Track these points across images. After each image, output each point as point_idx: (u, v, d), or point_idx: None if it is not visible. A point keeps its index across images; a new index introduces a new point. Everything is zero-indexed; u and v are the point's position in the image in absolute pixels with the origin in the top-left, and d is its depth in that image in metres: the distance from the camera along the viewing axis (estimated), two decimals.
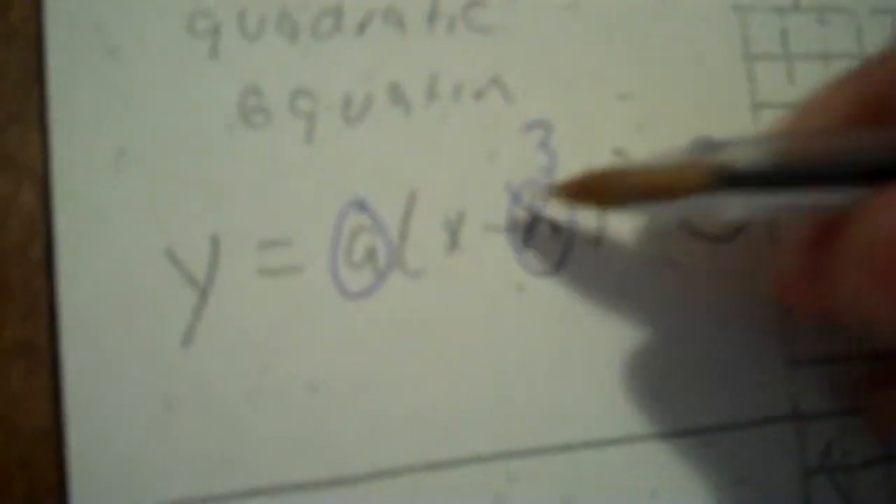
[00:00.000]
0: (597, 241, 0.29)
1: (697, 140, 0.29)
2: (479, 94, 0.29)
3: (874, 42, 0.32)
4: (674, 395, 0.29)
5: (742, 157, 0.24)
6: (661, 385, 0.29)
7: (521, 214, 0.29)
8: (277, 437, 0.27)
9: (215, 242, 0.27)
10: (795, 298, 0.29)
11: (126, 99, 0.27)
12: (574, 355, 0.29)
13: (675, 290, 0.30)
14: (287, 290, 0.27)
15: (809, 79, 0.31)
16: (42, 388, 0.26)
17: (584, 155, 0.30)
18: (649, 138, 0.30)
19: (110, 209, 0.27)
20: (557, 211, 0.29)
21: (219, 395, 0.27)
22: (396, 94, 0.29)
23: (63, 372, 0.26)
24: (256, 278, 0.27)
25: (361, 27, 0.29)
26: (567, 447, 0.28)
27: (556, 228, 0.29)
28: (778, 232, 0.30)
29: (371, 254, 0.28)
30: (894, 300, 0.22)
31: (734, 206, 0.25)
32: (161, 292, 0.27)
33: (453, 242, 0.28)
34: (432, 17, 0.30)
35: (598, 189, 0.27)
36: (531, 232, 0.29)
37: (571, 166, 0.29)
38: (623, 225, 0.30)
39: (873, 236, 0.23)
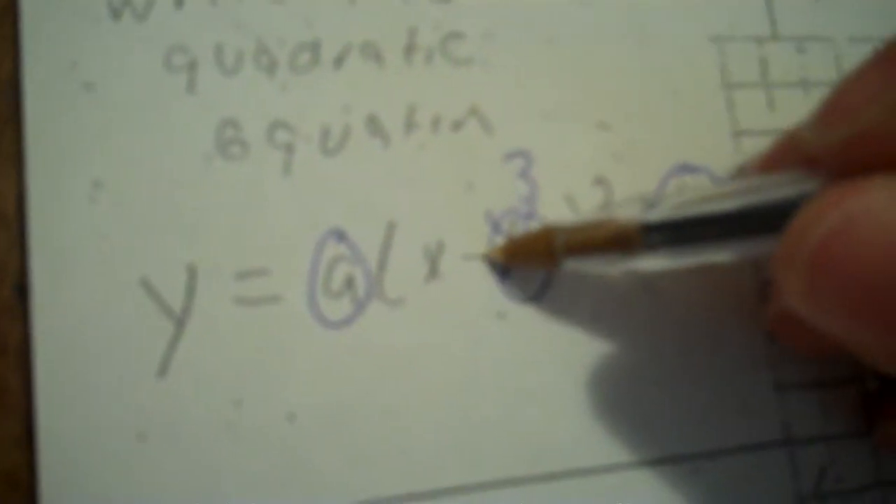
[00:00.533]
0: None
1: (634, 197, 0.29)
2: (457, 125, 0.29)
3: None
4: (660, 422, 0.28)
5: (653, 214, 0.26)
6: (646, 412, 0.28)
7: (502, 243, 0.29)
8: (254, 469, 0.26)
9: (192, 273, 0.27)
10: (787, 338, 0.29)
11: (102, 133, 0.27)
12: (557, 383, 0.28)
13: (658, 316, 0.29)
14: (265, 320, 0.27)
15: (789, 106, 0.31)
16: (13, 429, 0.25)
17: (564, 184, 0.30)
18: (629, 167, 0.30)
19: (86, 242, 0.27)
20: None
21: (194, 427, 0.26)
22: (374, 126, 0.29)
23: (36, 409, 0.25)
24: (234, 308, 0.27)
25: (339, 61, 0.29)
26: (550, 477, 0.28)
27: None
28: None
29: (350, 283, 0.28)
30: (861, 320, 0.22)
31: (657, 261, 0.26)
32: (137, 323, 0.27)
33: (433, 271, 0.28)
34: (410, 50, 0.30)
35: (536, 248, 0.28)
36: None
37: (552, 195, 0.30)
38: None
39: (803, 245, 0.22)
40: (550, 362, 0.28)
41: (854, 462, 0.29)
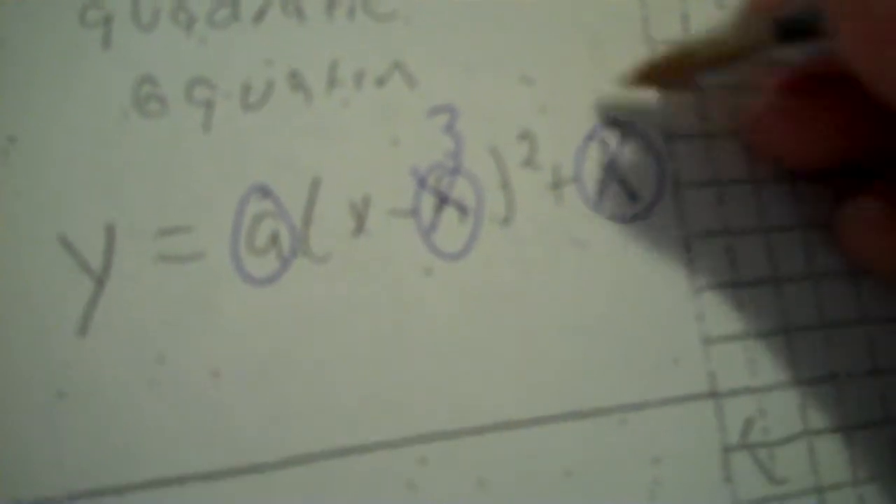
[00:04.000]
0: (504, 221, 0.29)
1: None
2: (381, 81, 0.29)
3: None
4: (587, 374, 0.28)
5: (790, 9, 0.27)
6: (573, 365, 0.28)
7: (428, 198, 0.29)
8: (178, 426, 0.26)
9: (110, 230, 0.26)
10: (765, 145, 0.30)
11: (16, 89, 0.27)
12: (484, 338, 0.28)
13: (584, 270, 0.29)
14: (187, 277, 0.27)
15: None
16: None
17: (489, 138, 0.29)
18: (554, 119, 0.30)
19: (0, 198, 0.26)
20: (464, 193, 0.29)
21: (115, 385, 0.26)
22: (296, 81, 0.29)
23: None
24: (155, 265, 0.27)
25: (259, 15, 0.29)
26: (479, 430, 0.27)
27: (463, 211, 0.29)
28: (685, 207, 0.30)
29: (275, 239, 0.27)
30: None
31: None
32: (55, 281, 0.26)
33: (359, 227, 0.28)
34: (331, 5, 0.29)
35: (670, 68, 0.29)
36: (438, 215, 0.28)
37: (477, 150, 0.29)
38: (531, 205, 0.29)
39: None
40: (477, 317, 0.28)
41: (781, 413, 0.29)
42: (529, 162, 0.30)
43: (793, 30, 0.27)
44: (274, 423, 0.26)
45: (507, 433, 0.28)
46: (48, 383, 0.25)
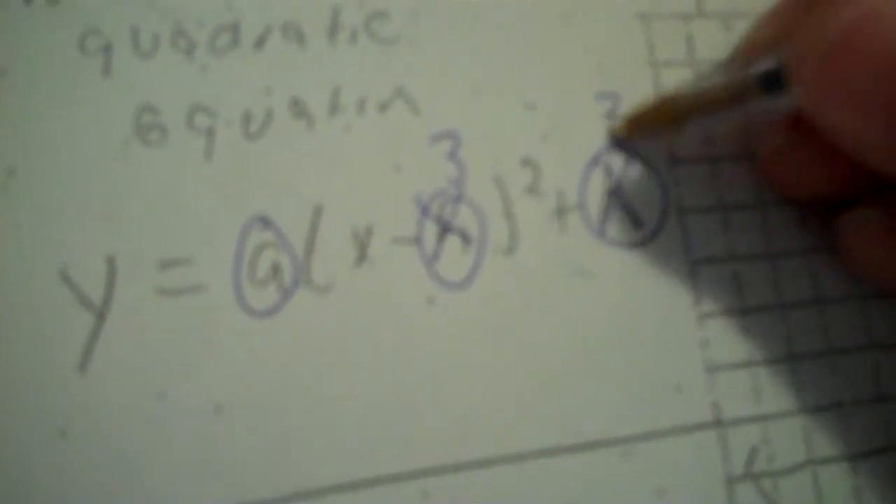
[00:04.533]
0: (508, 251, 0.29)
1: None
2: (383, 107, 0.29)
3: None
4: (590, 405, 0.28)
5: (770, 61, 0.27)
6: (576, 396, 0.28)
7: (431, 226, 0.28)
8: (180, 461, 0.26)
9: (111, 263, 0.26)
10: (776, 180, 0.30)
11: (15, 118, 0.27)
12: (487, 369, 0.28)
13: (588, 299, 0.29)
14: (188, 311, 0.27)
15: None
16: None
17: (492, 165, 0.29)
18: (557, 147, 0.30)
19: (0, 231, 0.26)
20: (467, 221, 0.29)
21: (117, 421, 0.26)
22: (298, 109, 0.28)
23: None
24: (156, 298, 0.26)
25: (260, 42, 0.29)
26: (483, 463, 0.27)
27: (466, 239, 0.28)
28: (688, 236, 0.30)
29: (276, 270, 0.27)
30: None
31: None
32: (56, 316, 0.26)
33: (361, 256, 0.28)
34: (333, 30, 0.29)
35: (666, 112, 0.29)
36: (441, 244, 0.28)
37: (480, 177, 0.29)
38: (535, 233, 0.29)
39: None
40: (480, 348, 0.28)
41: (785, 442, 0.29)
42: (533, 189, 0.29)
43: (775, 80, 0.26)
44: (276, 457, 0.26)
45: (510, 466, 0.27)
46: (50, 421, 0.25)
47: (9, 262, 0.26)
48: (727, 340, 0.30)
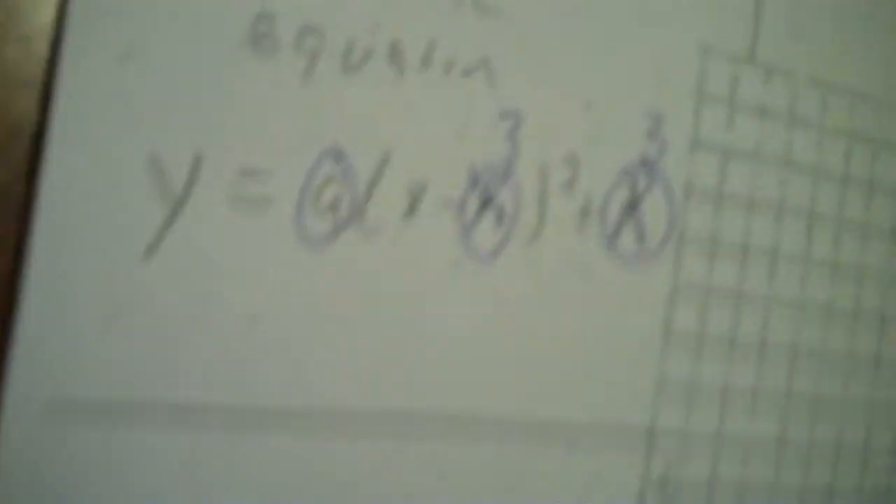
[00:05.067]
0: (532, 238, 0.31)
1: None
2: (467, 72, 0.30)
3: None
4: (562, 386, 0.32)
5: None
6: (554, 375, 0.32)
7: (475, 197, 0.31)
8: (215, 358, 0.28)
9: (198, 159, 0.27)
10: None
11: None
12: (489, 336, 0.31)
13: (583, 297, 0.32)
14: (253, 222, 0.28)
15: (746, 128, 0.34)
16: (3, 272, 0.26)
17: (541, 153, 0.32)
18: (600, 148, 0.32)
19: (107, 106, 0.26)
20: (506, 200, 0.31)
21: (166, 312, 0.27)
22: (395, 53, 0.29)
23: (29, 258, 0.25)
24: (227, 204, 0.28)
25: None
26: (454, 418, 0.31)
27: (500, 217, 0.31)
28: (681, 264, 0.33)
29: (336, 203, 0.29)
30: None
31: None
32: (136, 200, 0.27)
33: (411, 209, 0.30)
34: None
35: None
36: (480, 215, 0.31)
37: (529, 162, 0.31)
38: (558, 228, 0.32)
39: None
40: (489, 318, 0.31)
41: (700, 457, 0.34)
42: (569, 186, 0.32)
43: None
44: (298, 371, 0.29)
45: (474, 429, 0.31)
46: (109, 297, 0.26)
47: (106, 139, 0.26)
48: (685, 361, 0.34)
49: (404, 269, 0.30)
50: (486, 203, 0.31)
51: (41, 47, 0.26)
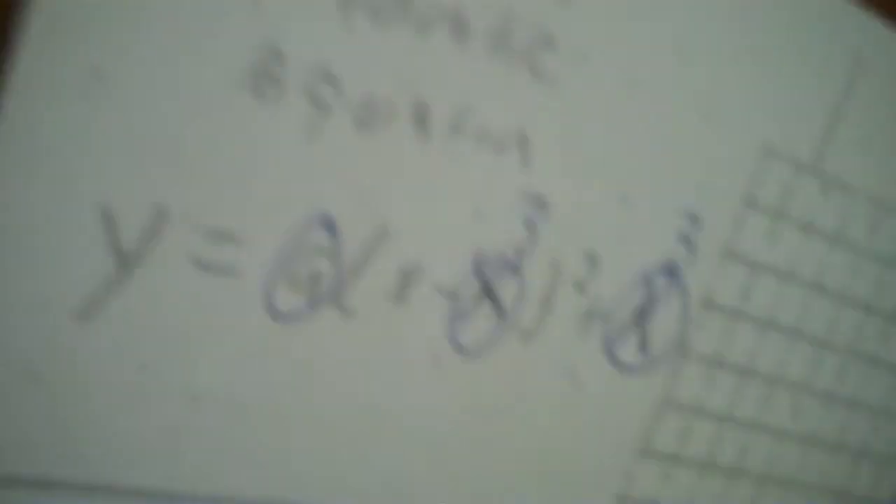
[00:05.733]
0: (528, 336, 0.28)
1: None
2: (500, 145, 0.26)
3: None
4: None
5: None
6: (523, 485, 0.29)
7: (474, 284, 0.26)
8: (147, 439, 0.24)
9: (160, 213, 0.22)
10: None
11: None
12: (461, 440, 0.28)
13: (562, 401, 0.29)
14: (214, 292, 0.23)
15: (788, 244, 0.31)
16: None
17: (558, 246, 0.27)
18: (623, 248, 0.28)
19: (60, 140, 0.21)
20: (508, 295, 0.27)
21: (98, 380, 0.23)
22: (422, 114, 0.25)
23: None
24: (187, 269, 0.23)
25: (426, 25, 0.24)
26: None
27: (497, 311, 0.27)
28: (678, 380, 0.30)
29: (316, 278, 0.24)
30: None
31: None
32: (78, 253, 0.22)
33: (399, 294, 0.26)
34: (500, 35, 0.25)
35: None
36: (476, 306, 0.27)
37: (543, 255, 0.27)
38: (559, 329, 0.28)
39: None
40: (463, 424, 0.27)
41: None
42: (581, 285, 0.28)
43: None
44: (236, 459, 0.25)
45: None
46: (28, 358, 0.22)
47: (51, 175, 0.21)
48: (650, 482, 0.31)
49: (379, 359, 0.26)
50: (484, 294, 0.27)
51: None
